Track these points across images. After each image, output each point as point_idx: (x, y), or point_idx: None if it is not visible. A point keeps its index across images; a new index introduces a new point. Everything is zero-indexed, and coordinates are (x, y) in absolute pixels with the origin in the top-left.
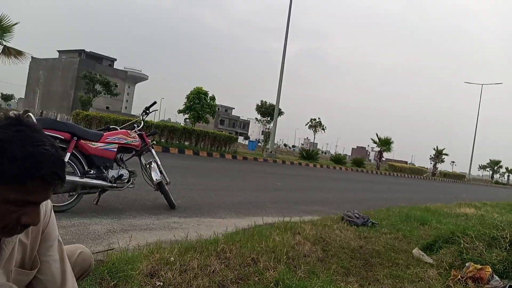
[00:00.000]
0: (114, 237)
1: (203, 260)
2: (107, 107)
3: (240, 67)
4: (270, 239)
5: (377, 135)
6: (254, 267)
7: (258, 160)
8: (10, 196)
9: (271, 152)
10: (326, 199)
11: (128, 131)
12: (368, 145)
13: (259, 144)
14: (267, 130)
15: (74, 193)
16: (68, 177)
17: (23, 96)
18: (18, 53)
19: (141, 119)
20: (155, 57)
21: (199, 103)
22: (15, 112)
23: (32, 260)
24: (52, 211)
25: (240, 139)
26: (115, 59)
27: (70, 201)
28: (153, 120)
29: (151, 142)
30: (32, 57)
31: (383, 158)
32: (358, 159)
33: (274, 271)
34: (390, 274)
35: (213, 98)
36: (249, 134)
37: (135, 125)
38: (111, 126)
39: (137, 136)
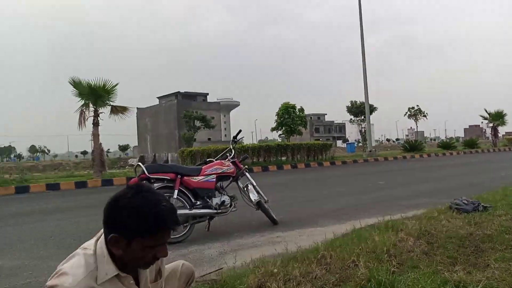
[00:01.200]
0: (224, 257)
1: (305, 268)
2: (209, 139)
3: (325, 72)
4: (370, 240)
5: (486, 111)
6: (355, 269)
7: (358, 161)
8: (147, 244)
9: (370, 151)
10: (433, 190)
11: (222, 161)
12: (482, 122)
13: (360, 144)
14: (363, 130)
15: (187, 224)
16: (180, 211)
17: (136, 144)
18: (123, 109)
19: (231, 147)
20: (242, 82)
21: (289, 117)
22: (133, 159)
23: (157, 272)
24: None
25: (339, 143)
26: (207, 94)
27: (184, 231)
28: (248, 144)
29: (244, 167)
30: (137, 108)
31: (499, 134)
32: (470, 141)
33: (366, 269)
34: (503, 258)
35: (301, 110)
36: (347, 137)
37: (228, 154)
38: (207, 160)
39: (230, 164)
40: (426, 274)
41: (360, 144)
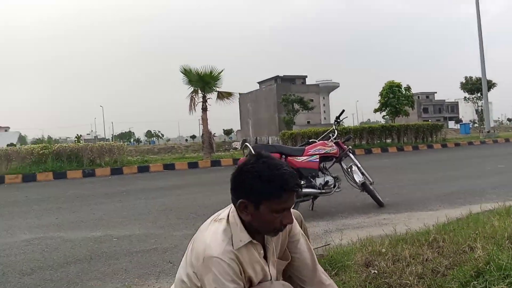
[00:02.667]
0: (330, 236)
1: (415, 250)
2: (308, 122)
3: (434, 46)
4: (488, 225)
5: None
6: (471, 253)
7: (474, 143)
8: (274, 207)
9: (488, 132)
10: None
11: (325, 141)
12: None
13: (475, 125)
14: (479, 109)
15: None
16: None
17: (239, 128)
18: (229, 95)
19: (334, 128)
20: (343, 62)
21: (394, 97)
22: (236, 143)
23: (283, 253)
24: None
25: (451, 124)
26: (306, 76)
27: None
28: (350, 126)
29: (348, 147)
30: (239, 93)
31: None
32: None
33: (484, 252)
34: None
35: (408, 88)
36: (460, 117)
37: (331, 135)
38: (310, 140)
39: (333, 144)
40: None
41: (476, 124)
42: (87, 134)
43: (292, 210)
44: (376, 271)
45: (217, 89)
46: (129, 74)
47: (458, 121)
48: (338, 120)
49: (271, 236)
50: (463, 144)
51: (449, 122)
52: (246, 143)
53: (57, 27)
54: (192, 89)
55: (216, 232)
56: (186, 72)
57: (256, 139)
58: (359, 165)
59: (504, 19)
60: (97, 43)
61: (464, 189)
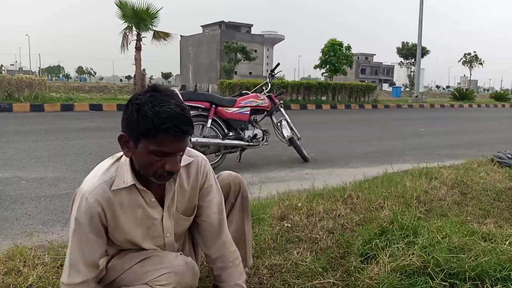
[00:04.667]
0: (252, 188)
1: (329, 206)
2: (250, 73)
3: (376, 10)
4: (400, 185)
5: None
6: (381, 211)
7: (402, 106)
8: (151, 148)
9: (416, 96)
10: (476, 141)
11: (258, 94)
12: None
13: (407, 89)
14: (412, 74)
15: (219, 153)
16: (212, 140)
17: (179, 73)
18: (166, 35)
19: (268, 81)
20: (289, 17)
21: (334, 55)
22: (175, 87)
23: (191, 208)
24: (212, 173)
25: (385, 87)
26: (252, 25)
27: (216, 160)
28: (288, 80)
29: (279, 102)
30: (181, 35)
31: None
32: None
33: (390, 211)
34: None
35: (348, 48)
36: (394, 80)
37: (264, 88)
38: (243, 92)
39: (266, 98)
40: (453, 223)
41: (408, 89)
42: (11, 64)
43: (232, 172)
44: (289, 225)
45: (154, 28)
46: (61, 2)
47: (392, 84)
48: (273, 74)
49: (154, 180)
50: (392, 106)
51: (384, 84)
52: (175, 89)
53: None
54: (126, 25)
55: (100, 169)
56: (121, 5)
57: (195, 85)
58: (289, 120)
59: None
60: None
61: (385, 149)
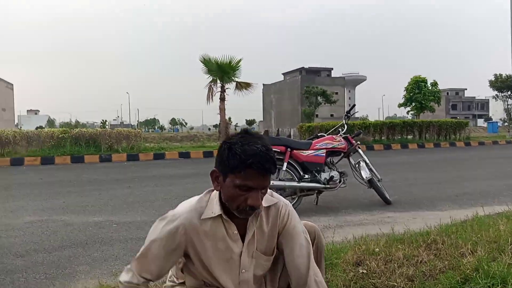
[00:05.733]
0: (328, 232)
1: (410, 251)
2: (331, 115)
3: (464, 41)
4: (493, 228)
5: None
6: (470, 257)
7: (499, 143)
8: (236, 182)
9: None
10: None
11: (334, 136)
12: None
13: (505, 124)
14: (509, 107)
15: (295, 196)
16: (288, 183)
17: (262, 119)
18: (247, 85)
19: (344, 123)
20: (371, 56)
21: (419, 92)
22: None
23: (271, 249)
24: (296, 217)
25: (480, 122)
26: (332, 68)
27: (292, 203)
28: (371, 121)
29: (356, 143)
30: (263, 84)
31: None
32: None
33: (473, 258)
34: None
35: (434, 84)
36: (490, 115)
37: (340, 129)
38: (319, 134)
39: (342, 139)
40: None
41: (506, 124)
42: (113, 119)
43: (308, 222)
44: (365, 271)
45: (236, 79)
46: (155, 60)
47: (487, 119)
48: (349, 115)
49: (238, 214)
50: (487, 143)
51: (478, 120)
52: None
53: (85, 10)
54: (211, 78)
55: (195, 198)
56: (205, 62)
57: (278, 130)
58: (368, 161)
59: None
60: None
61: (478, 190)
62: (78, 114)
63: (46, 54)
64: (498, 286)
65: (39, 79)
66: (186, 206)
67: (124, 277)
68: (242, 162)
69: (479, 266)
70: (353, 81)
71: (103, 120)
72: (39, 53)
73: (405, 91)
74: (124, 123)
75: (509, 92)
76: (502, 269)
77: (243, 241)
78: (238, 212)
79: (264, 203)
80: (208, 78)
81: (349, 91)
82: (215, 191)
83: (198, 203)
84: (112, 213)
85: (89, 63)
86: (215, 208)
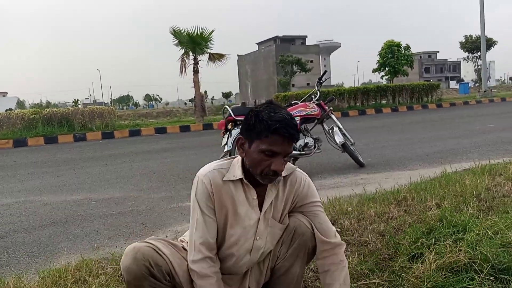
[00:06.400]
0: None
1: (382, 209)
2: (308, 84)
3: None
4: (459, 184)
5: None
6: (437, 210)
7: (469, 103)
8: (262, 147)
9: (485, 91)
10: None
11: (307, 103)
12: None
13: (476, 85)
14: (479, 68)
15: None
16: None
17: (238, 91)
18: (220, 56)
19: (317, 89)
20: (345, 23)
21: (392, 57)
22: (235, 105)
23: (283, 217)
24: (312, 187)
25: (453, 84)
26: (306, 36)
27: None
28: (344, 86)
29: (329, 108)
30: (237, 55)
31: None
32: None
33: (440, 210)
34: None
35: (407, 48)
36: (462, 77)
37: (313, 96)
38: (292, 102)
39: (315, 106)
40: (509, 218)
41: (477, 84)
42: (86, 98)
43: (305, 227)
44: (338, 229)
45: (209, 51)
46: (127, 36)
47: (459, 80)
48: (320, 81)
49: (260, 180)
50: (458, 104)
51: (451, 82)
52: (226, 106)
53: None
54: (183, 51)
55: (215, 163)
56: (176, 33)
57: (255, 102)
58: (341, 126)
59: None
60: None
61: (447, 148)
62: (49, 95)
63: (11, 31)
64: (460, 233)
65: (5, 60)
66: (209, 166)
67: (197, 266)
68: (269, 127)
69: (442, 217)
70: (328, 49)
71: (75, 100)
72: (3, 31)
73: (379, 56)
74: (97, 101)
75: (478, 53)
76: (464, 219)
77: (260, 208)
78: (261, 177)
79: (283, 172)
80: (180, 51)
81: (324, 59)
82: (236, 158)
83: (220, 166)
84: (90, 191)
85: (58, 41)
86: (237, 172)
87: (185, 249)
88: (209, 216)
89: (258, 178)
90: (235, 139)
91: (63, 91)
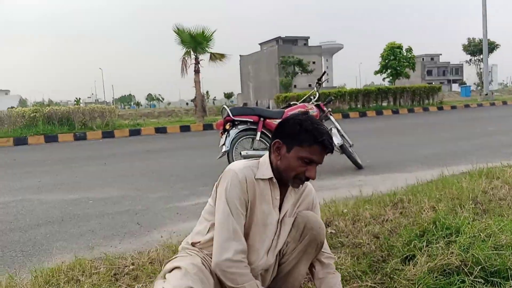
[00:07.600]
0: None
1: (378, 211)
2: (309, 85)
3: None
4: (456, 186)
5: None
6: (431, 213)
7: (470, 106)
8: (302, 154)
9: (486, 94)
10: None
11: (306, 104)
12: None
13: (479, 88)
14: (481, 71)
15: None
16: (262, 152)
17: (240, 91)
18: (221, 56)
19: (316, 91)
20: (347, 24)
21: (394, 59)
22: (236, 106)
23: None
24: (318, 205)
25: (455, 87)
26: (308, 37)
27: None
28: (346, 89)
29: (328, 110)
30: (240, 55)
31: None
32: None
33: (434, 212)
34: None
35: (409, 50)
36: (464, 79)
37: (312, 97)
38: (291, 103)
39: (314, 107)
40: (504, 221)
41: (479, 88)
42: (88, 97)
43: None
44: (333, 231)
45: (210, 50)
46: (129, 35)
47: (462, 83)
48: (320, 82)
49: (290, 183)
50: (459, 107)
51: (453, 84)
52: (224, 106)
53: None
54: (184, 50)
55: (244, 161)
56: (179, 32)
57: (256, 102)
58: (339, 128)
59: None
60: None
61: (447, 151)
62: (51, 93)
63: (16, 31)
64: (453, 236)
65: (8, 58)
66: (240, 163)
67: (236, 266)
68: (315, 138)
69: (436, 219)
70: (330, 50)
71: (77, 98)
72: (8, 31)
73: (380, 58)
74: (99, 100)
75: (481, 56)
76: (457, 221)
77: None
78: (293, 181)
79: None
80: (182, 50)
81: (326, 60)
82: (262, 159)
83: (251, 164)
84: (88, 190)
85: (61, 41)
86: (267, 172)
87: (205, 263)
88: (241, 211)
89: (288, 181)
90: (234, 139)
91: (66, 90)
